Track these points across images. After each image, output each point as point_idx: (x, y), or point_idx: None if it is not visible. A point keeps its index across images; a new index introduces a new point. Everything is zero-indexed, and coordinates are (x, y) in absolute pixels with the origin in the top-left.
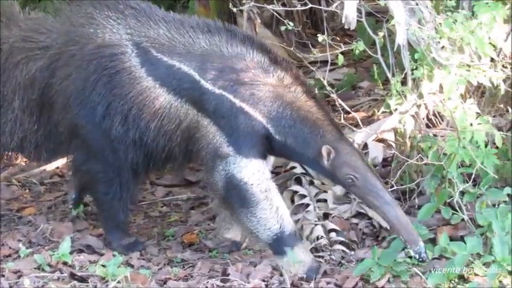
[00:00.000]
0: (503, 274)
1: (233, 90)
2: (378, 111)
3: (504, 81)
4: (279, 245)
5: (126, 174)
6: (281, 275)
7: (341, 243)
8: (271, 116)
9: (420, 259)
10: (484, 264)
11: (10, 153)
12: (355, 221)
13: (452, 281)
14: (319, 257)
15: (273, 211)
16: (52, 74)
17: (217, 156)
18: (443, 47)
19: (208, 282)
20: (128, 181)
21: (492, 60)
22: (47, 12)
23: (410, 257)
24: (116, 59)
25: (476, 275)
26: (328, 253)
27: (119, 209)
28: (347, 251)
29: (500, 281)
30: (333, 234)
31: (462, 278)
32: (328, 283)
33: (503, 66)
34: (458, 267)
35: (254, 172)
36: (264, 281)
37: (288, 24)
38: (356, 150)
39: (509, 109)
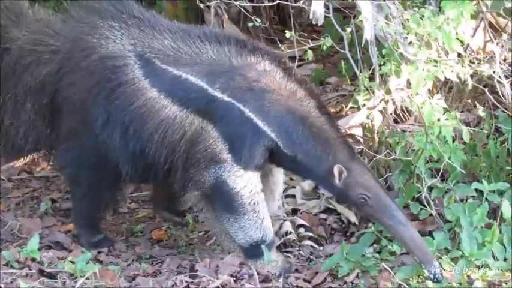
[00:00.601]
0: (471, 269)
1: (243, 100)
2: (346, 106)
3: (471, 76)
4: (254, 250)
5: (113, 183)
6: (250, 268)
7: (310, 238)
8: (281, 130)
9: (435, 279)
10: (452, 259)
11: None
12: (323, 216)
13: (421, 276)
14: (288, 252)
15: (258, 223)
16: (60, 79)
17: (214, 161)
18: (410, 42)
19: (177, 278)
20: (112, 189)
21: (459, 55)
22: (56, 12)
23: (379, 252)
24: (119, 71)
25: (444, 269)
26: (297, 248)
27: (95, 209)
28: (316, 246)
29: (468, 276)
30: (301, 230)
31: None
32: (297, 278)
33: (470, 61)
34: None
35: (247, 184)
36: (232, 276)
37: (256, 20)
38: (368, 169)
39: (477, 104)
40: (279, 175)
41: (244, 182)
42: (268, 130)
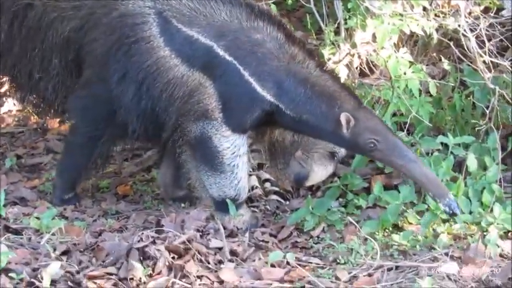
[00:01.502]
0: (437, 222)
1: (244, 62)
2: None
3: (437, 30)
4: (225, 205)
5: (114, 140)
6: (216, 223)
7: (276, 193)
8: (282, 93)
9: (451, 211)
10: (417, 212)
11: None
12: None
13: (387, 230)
14: (254, 207)
15: (234, 183)
16: (84, 35)
17: (204, 116)
18: None
19: (143, 233)
20: (109, 147)
21: (425, 9)
22: None
23: (345, 206)
24: (137, 29)
25: (410, 223)
26: (263, 203)
27: (86, 164)
28: (282, 200)
29: (433, 229)
30: (267, 184)
31: (396, 227)
32: (263, 233)
33: (435, 15)
34: (392, 216)
35: (230, 146)
36: (198, 230)
37: None
38: (375, 115)
39: (442, 58)
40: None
41: (228, 143)
42: (268, 95)
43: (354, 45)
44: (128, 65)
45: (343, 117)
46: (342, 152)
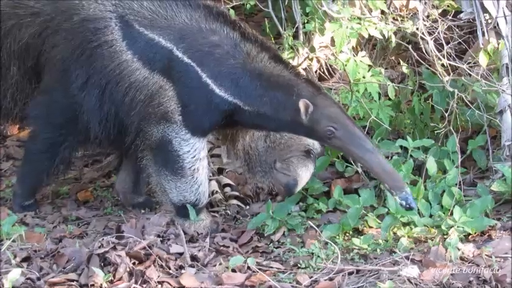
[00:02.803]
0: (397, 226)
1: (202, 64)
2: None
3: (395, 33)
4: (186, 210)
5: (76, 146)
6: (176, 229)
7: (236, 197)
8: (239, 91)
9: (407, 205)
10: (377, 216)
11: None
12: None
13: (347, 234)
14: (214, 211)
15: (194, 187)
16: (43, 41)
17: (165, 119)
18: (334, 0)
19: (103, 239)
20: (70, 153)
21: (383, 12)
22: None
23: (305, 210)
24: (99, 33)
25: (370, 227)
26: (223, 208)
27: (47, 171)
28: (242, 205)
29: (394, 233)
30: (227, 189)
31: (356, 231)
32: (223, 238)
33: (393, 18)
34: (352, 219)
35: (191, 149)
36: (159, 236)
37: None
38: (334, 102)
39: (401, 61)
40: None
41: (188, 147)
42: (226, 94)
43: (312, 49)
44: (90, 70)
45: (301, 104)
46: (317, 148)
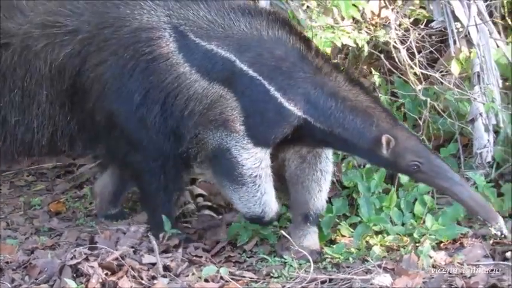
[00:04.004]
0: (369, 234)
1: (269, 77)
2: None
3: (367, 42)
4: (254, 221)
5: (169, 165)
6: (150, 241)
7: (208, 207)
8: (310, 106)
9: (503, 235)
10: (350, 225)
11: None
12: None
13: (320, 243)
14: (186, 222)
15: (257, 196)
16: (84, 60)
17: (224, 127)
18: (308, 7)
19: (75, 250)
20: (171, 172)
21: (356, 22)
22: None
23: (278, 220)
24: (154, 44)
25: (343, 235)
26: (196, 218)
27: (165, 200)
28: (214, 215)
29: (366, 241)
30: (200, 199)
31: (329, 239)
32: (196, 248)
33: (366, 27)
34: (325, 228)
35: (250, 157)
36: (132, 247)
37: None
38: (412, 134)
39: (373, 70)
40: (329, 164)
41: (249, 155)
42: (295, 108)
43: None
44: (146, 83)
45: (384, 139)
46: None
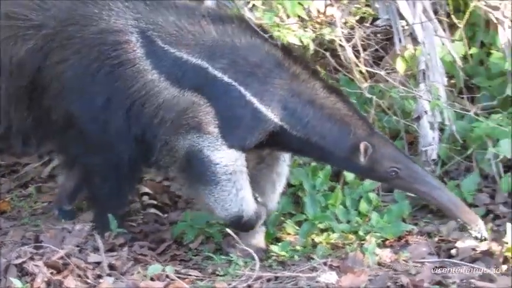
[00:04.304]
0: (315, 232)
1: (245, 83)
2: None
3: (313, 40)
4: (237, 226)
5: (126, 171)
6: (95, 240)
7: (154, 206)
8: (287, 114)
9: (483, 238)
10: (296, 222)
11: None
12: (167, 183)
13: (266, 241)
14: (132, 221)
15: (232, 193)
16: (45, 56)
17: (197, 129)
18: (253, 6)
19: (21, 249)
20: (126, 177)
21: (301, 20)
22: None
23: None
24: (120, 48)
25: (288, 233)
26: (141, 217)
27: (115, 202)
28: (160, 214)
29: (312, 239)
30: (145, 198)
31: (275, 237)
32: (141, 246)
33: (312, 25)
34: (271, 226)
35: (224, 156)
36: (78, 246)
37: None
38: (389, 140)
39: (319, 68)
40: (284, 167)
41: (221, 154)
42: (271, 115)
43: None
44: (110, 88)
45: (362, 147)
46: None
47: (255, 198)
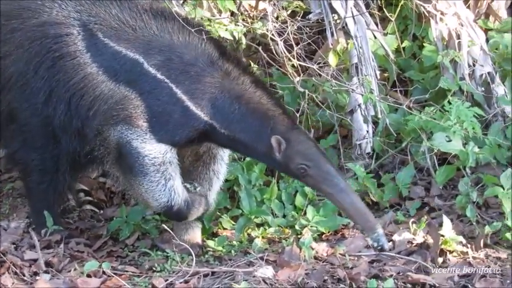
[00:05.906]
0: (251, 227)
1: (176, 81)
2: None
3: (245, 35)
4: (170, 216)
5: (65, 165)
6: (31, 237)
7: (90, 202)
8: (216, 112)
9: (379, 247)
10: (231, 217)
11: None
12: (102, 180)
13: (203, 236)
14: (68, 218)
15: (161, 183)
16: None
17: (125, 122)
18: (184, 1)
19: None
20: (65, 171)
21: (233, 14)
22: None
23: (159, 214)
24: (61, 41)
25: (224, 228)
26: (77, 214)
27: (53, 199)
28: (96, 210)
29: (248, 234)
30: (81, 194)
31: (211, 233)
32: (78, 243)
33: (243, 20)
34: (207, 222)
35: (153, 149)
36: (14, 244)
37: None
38: (309, 138)
39: (251, 63)
40: (222, 165)
41: (150, 147)
42: (201, 113)
43: None
44: (52, 82)
45: (273, 140)
46: None
47: (195, 188)
